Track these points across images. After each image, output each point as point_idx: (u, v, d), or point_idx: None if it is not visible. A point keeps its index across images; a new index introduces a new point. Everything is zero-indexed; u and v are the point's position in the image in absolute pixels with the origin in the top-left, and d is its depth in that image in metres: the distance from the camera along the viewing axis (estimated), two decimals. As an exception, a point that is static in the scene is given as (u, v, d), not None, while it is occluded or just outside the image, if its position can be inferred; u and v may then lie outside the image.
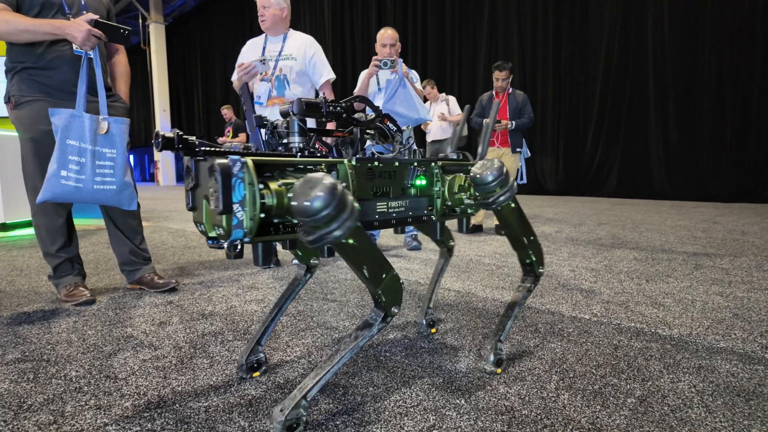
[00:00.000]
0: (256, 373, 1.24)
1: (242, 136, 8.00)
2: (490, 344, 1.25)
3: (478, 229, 3.94)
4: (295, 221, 0.91)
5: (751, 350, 1.38)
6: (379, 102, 2.85)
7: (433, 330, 1.55)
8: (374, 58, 2.80)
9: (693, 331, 1.55)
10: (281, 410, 0.91)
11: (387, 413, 1.04)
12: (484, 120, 1.46)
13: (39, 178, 1.87)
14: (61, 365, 1.33)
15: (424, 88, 5.37)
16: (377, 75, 2.86)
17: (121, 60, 2.15)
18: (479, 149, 1.31)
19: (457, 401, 1.09)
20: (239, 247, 0.88)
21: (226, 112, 8.30)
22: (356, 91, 2.94)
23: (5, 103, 1.91)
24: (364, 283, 1.04)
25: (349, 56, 11.79)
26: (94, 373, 1.28)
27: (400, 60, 2.78)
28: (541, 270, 1.30)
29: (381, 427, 0.99)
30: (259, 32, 2.79)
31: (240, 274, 2.48)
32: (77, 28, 1.73)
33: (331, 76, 2.68)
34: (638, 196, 7.44)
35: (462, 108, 5.67)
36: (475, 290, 2.12)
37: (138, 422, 1.02)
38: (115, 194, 1.79)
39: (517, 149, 3.81)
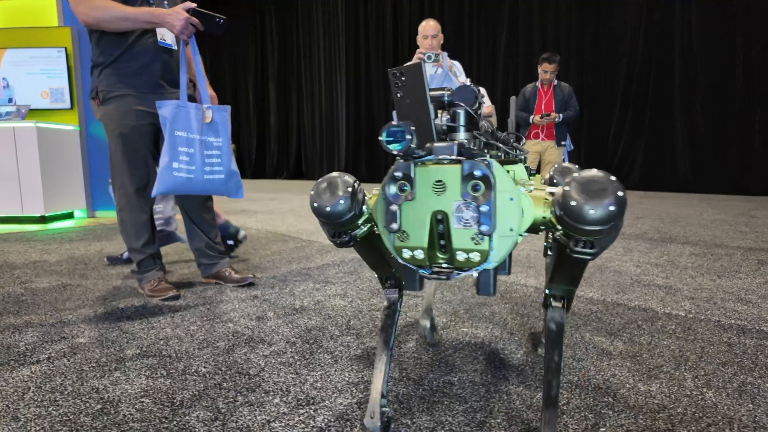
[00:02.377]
0: None
1: None
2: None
3: None
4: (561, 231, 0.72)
5: None
6: None
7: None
8: (418, 51, 2.74)
9: (797, 328, 1.56)
10: None
11: (537, 414, 1.05)
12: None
13: (127, 174, 1.88)
14: (186, 361, 1.35)
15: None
16: None
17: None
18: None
19: (605, 399, 1.10)
20: (475, 275, 0.79)
21: None
22: None
23: (91, 99, 1.91)
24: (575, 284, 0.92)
25: (363, 49, 11.71)
26: (224, 369, 1.29)
27: (445, 53, 2.72)
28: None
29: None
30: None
31: (306, 268, 2.49)
32: (176, 17, 1.72)
33: None
34: (662, 189, 7.42)
35: (492, 100, 5.64)
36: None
37: (299, 419, 1.04)
38: (224, 183, 1.80)
39: (562, 142, 3.80)
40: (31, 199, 4.22)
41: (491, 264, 0.75)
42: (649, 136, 7.58)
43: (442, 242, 0.77)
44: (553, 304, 0.91)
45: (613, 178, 0.66)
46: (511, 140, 1.22)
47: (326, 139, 12.94)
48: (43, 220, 4.34)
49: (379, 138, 0.69)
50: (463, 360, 1.34)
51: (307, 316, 1.72)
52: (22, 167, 4.17)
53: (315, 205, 0.79)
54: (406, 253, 0.79)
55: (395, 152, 0.69)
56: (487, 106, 5.43)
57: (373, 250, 0.93)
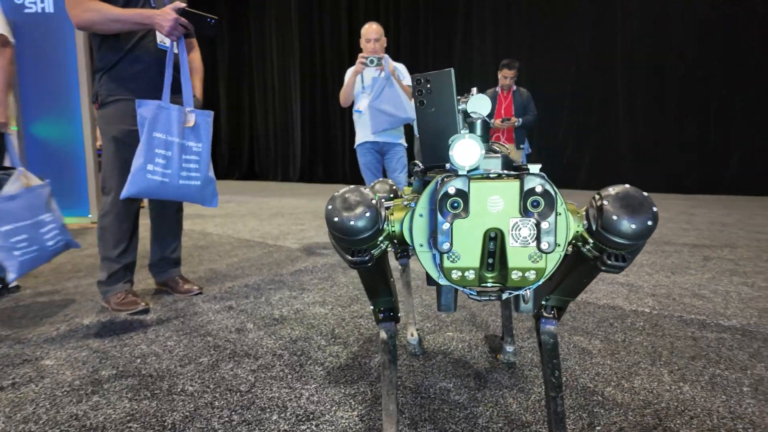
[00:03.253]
0: None
1: None
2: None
3: None
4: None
5: (810, 337, 1.54)
6: (364, 101, 2.76)
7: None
8: (360, 55, 2.66)
9: (748, 320, 1.70)
10: None
11: (535, 415, 1.09)
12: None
13: (116, 178, 1.80)
14: (169, 380, 1.28)
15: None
16: (362, 73, 2.75)
17: (195, 56, 2.11)
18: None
19: (595, 398, 1.16)
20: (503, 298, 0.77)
21: None
22: (343, 90, 2.85)
23: (92, 103, 1.83)
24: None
25: (318, 47, 11.60)
26: (212, 386, 1.25)
27: (387, 57, 2.65)
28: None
29: (542, 427, 1.03)
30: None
31: (279, 275, 2.44)
32: (165, 17, 1.67)
33: None
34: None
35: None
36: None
37: (301, 435, 1.02)
38: (199, 190, 1.74)
39: (521, 146, 3.94)
40: (-38, 205, 3.87)
41: (541, 281, 0.73)
42: (595, 139, 8.00)
43: (490, 260, 0.74)
44: (546, 315, 0.90)
45: (646, 194, 0.68)
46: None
47: (281, 139, 12.72)
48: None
49: (450, 153, 0.68)
50: (455, 365, 1.36)
51: (289, 327, 1.69)
52: (-48, 171, 3.82)
53: (336, 219, 0.73)
54: (456, 274, 0.74)
55: (468, 172, 0.68)
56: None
57: (379, 274, 0.89)
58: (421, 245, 0.76)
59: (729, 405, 1.12)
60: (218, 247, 3.23)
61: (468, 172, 0.71)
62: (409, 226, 0.77)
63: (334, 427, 1.05)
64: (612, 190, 0.69)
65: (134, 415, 1.11)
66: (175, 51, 1.80)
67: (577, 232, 0.74)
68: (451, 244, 0.71)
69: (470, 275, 0.72)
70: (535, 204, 0.68)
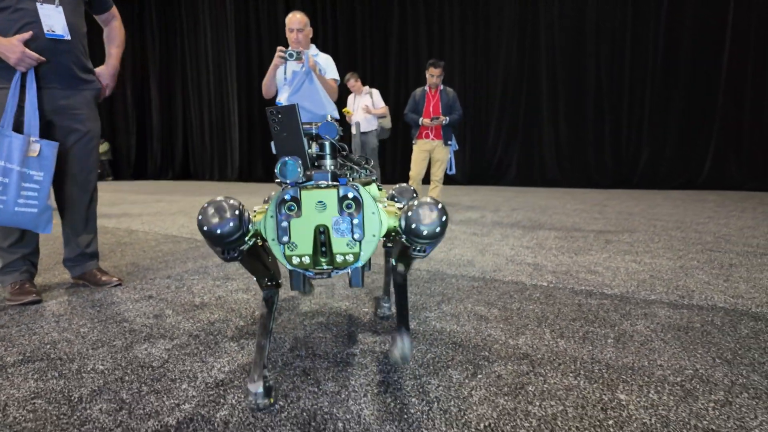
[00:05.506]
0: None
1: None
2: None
3: None
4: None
5: (673, 300, 1.78)
6: (284, 94, 2.68)
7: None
8: (279, 48, 2.61)
9: (628, 289, 1.94)
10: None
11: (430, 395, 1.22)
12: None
13: None
14: (80, 361, 1.29)
15: (347, 81, 5.50)
16: (285, 65, 2.69)
17: (115, 25, 2.10)
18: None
19: (482, 353, 1.30)
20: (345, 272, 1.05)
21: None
22: (264, 82, 2.81)
23: None
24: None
25: (254, 42, 11.41)
26: (124, 364, 1.27)
27: (307, 51, 2.60)
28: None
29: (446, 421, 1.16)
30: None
31: (204, 266, 2.45)
32: (11, 48, 1.66)
33: None
34: (534, 185, 8.34)
35: (385, 101, 5.90)
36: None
37: (209, 399, 1.08)
38: (35, 217, 1.73)
39: (448, 142, 4.14)
40: None
41: (360, 263, 1.00)
42: (522, 139, 8.47)
43: (323, 249, 0.99)
44: (399, 269, 1.21)
45: (440, 205, 0.93)
46: (363, 162, 1.43)
47: (217, 138, 12.38)
48: None
49: (275, 170, 0.92)
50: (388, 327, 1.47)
51: (208, 311, 1.72)
52: None
53: (205, 228, 0.88)
54: (295, 260, 0.98)
55: (289, 183, 0.94)
56: (381, 107, 5.69)
57: (255, 259, 1.10)
58: (273, 239, 0.99)
59: (593, 353, 1.30)
60: (143, 244, 3.15)
61: (299, 183, 0.96)
62: (263, 225, 0.99)
63: (241, 390, 1.12)
64: (415, 202, 0.93)
65: (39, 393, 1.12)
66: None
67: (394, 226, 1.00)
68: (289, 237, 0.96)
69: (306, 260, 0.98)
70: (348, 206, 0.94)
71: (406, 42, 9.38)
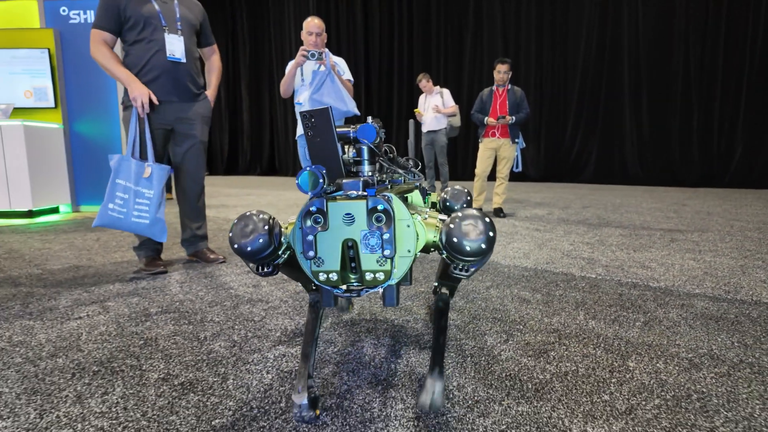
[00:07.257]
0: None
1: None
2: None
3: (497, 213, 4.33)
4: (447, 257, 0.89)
5: (717, 294, 1.87)
6: (305, 93, 2.84)
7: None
8: (301, 48, 2.77)
9: (675, 283, 2.03)
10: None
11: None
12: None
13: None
14: (201, 314, 1.71)
15: (419, 81, 5.76)
16: (302, 67, 2.85)
17: (214, 58, 2.57)
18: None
19: (518, 327, 1.53)
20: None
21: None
22: (282, 81, 2.96)
23: (120, 104, 2.29)
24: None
25: (333, 43, 12.03)
26: (233, 318, 1.66)
27: (327, 51, 2.78)
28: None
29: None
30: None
31: (290, 250, 2.85)
32: (140, 90, 2.13)
33: None
34: (614, 182, 8.06)
35: (458, 99, 6.07)
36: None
37: (296, 344, 1.42)
38: (148, 227, 2.16)
39: (515, 140, 4.26)
40: (18, 194, 4.41)
41: (393, 281, 0.90)
42: (602, 135, 8.21)
43: (353, 265, 0.90)
44: (441, 291, 1.12)
45: (487, 219, 0.84)
46: (410, 165, 1.40)
47: (299, 136, 13.19)
48: (30, 214, 4.53)
49: (296, 182, 0.83)
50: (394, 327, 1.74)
51: (294, 284, 2.10)
52: (10, 164, 4.36)
53: (235, 246, 0.86)
54: (322, 276, 0.89)
55: (310, 194, 0.84)
56: (451, 106, 5.88)
57: (295, 270, 1.06)
58: (300, 253, 0.92)
59: (618, 332, 1.48)
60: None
61: (326, 194, 0.87)
62: (293, 237, 0.93)
63: (317, 340, 1.45)
64: (458, 214, 0.86)
65: (177, 332, 1.53)
66: (142, 115, 2.18)
67: (434, 241, 0.92)
68: (315, 252, 0.88)
69: (333, 277, 0.88)
70: (378, 219, 0.84)
71: (481, 39, 9.42)
